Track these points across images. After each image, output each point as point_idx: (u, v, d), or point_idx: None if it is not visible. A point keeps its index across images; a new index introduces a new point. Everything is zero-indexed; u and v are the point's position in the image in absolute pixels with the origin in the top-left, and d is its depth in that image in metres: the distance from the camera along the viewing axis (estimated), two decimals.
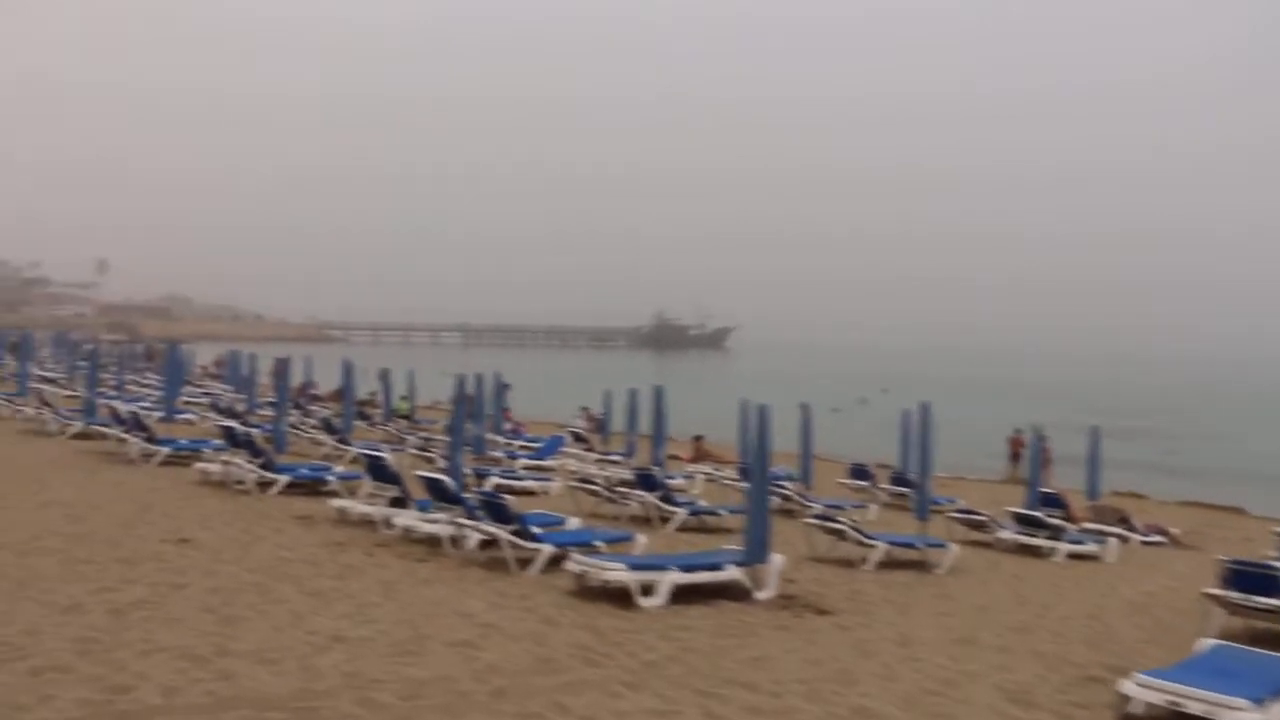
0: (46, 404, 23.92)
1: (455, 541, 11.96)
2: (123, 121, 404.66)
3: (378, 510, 13.20)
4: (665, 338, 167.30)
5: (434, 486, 12.72)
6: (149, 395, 30.14)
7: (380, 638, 8.35)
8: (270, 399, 28.61)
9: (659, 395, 18.86)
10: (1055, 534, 16.08)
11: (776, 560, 11.00)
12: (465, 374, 15.10)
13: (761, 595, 10.72)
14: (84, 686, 6.84)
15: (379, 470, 13.98)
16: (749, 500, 11.25)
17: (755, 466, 11.15)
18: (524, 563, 11.31)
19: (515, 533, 11.40)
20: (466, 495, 12.72)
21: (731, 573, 10.76)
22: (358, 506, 13.48)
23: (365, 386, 30.21)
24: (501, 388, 25.16)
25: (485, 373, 22.17)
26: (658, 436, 18.59)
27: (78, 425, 21.62)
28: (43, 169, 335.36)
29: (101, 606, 8.75)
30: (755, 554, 10.83)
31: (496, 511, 11.69)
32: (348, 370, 25.93)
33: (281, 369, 20.46)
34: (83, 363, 34.63)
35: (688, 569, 10.62)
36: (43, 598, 8.93)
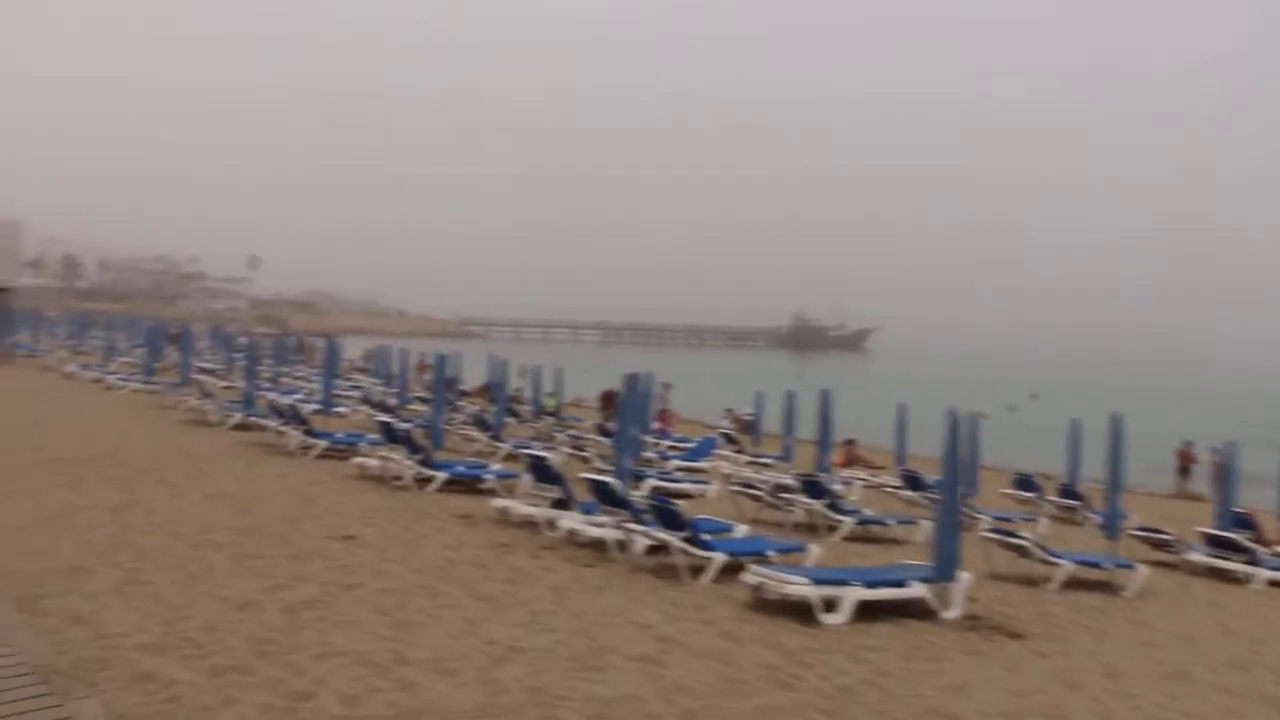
0: (208, 394, 24.38)
1: (622, 546, 11.56)
2: (276, 127, 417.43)
3: (541, 512, 12.88)
4: (804, 338, 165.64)
5: (599, 489, 12.35)
6: (302, 388, 30.60)
7: (559, 649, 7.97)
8: (419, 393, 28.83)
9: (825, 399, 18.25)
10: (1252, 558, 14.97)
11: (964, 578, 10.32)
12: (635, 372, 14.69)
13: (948, 615, 10.06)
14: (265, 690, 6.59)
15: (541, 470, 13.67)
16: (936, 512, 10.60)
17: (946, 477, 10.48)
18: (694, 571, 10.86)
19: (687, 539, 10.94)
20: (632, 498, 12.32)
21: (916, 589, 10.13)
22: (520, 507, 13.18)
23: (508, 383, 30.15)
24: (662, 388, 24.81)
25: (629, 371, 21.85)
26: (823, 441, 17.99)
27: (238, 416, 21.92)
28: (204, 173, 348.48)
29: (275, 604, 8.56)
30: (943, 570, 10.18)
31: (667, 516, 11.25)
32: (497, 367, 25.91)
33: (437, 365, 20.39)
34: (239, 355, 35.43)
35: (872, 584, 10.02)
36: (218, 593, 8.79)
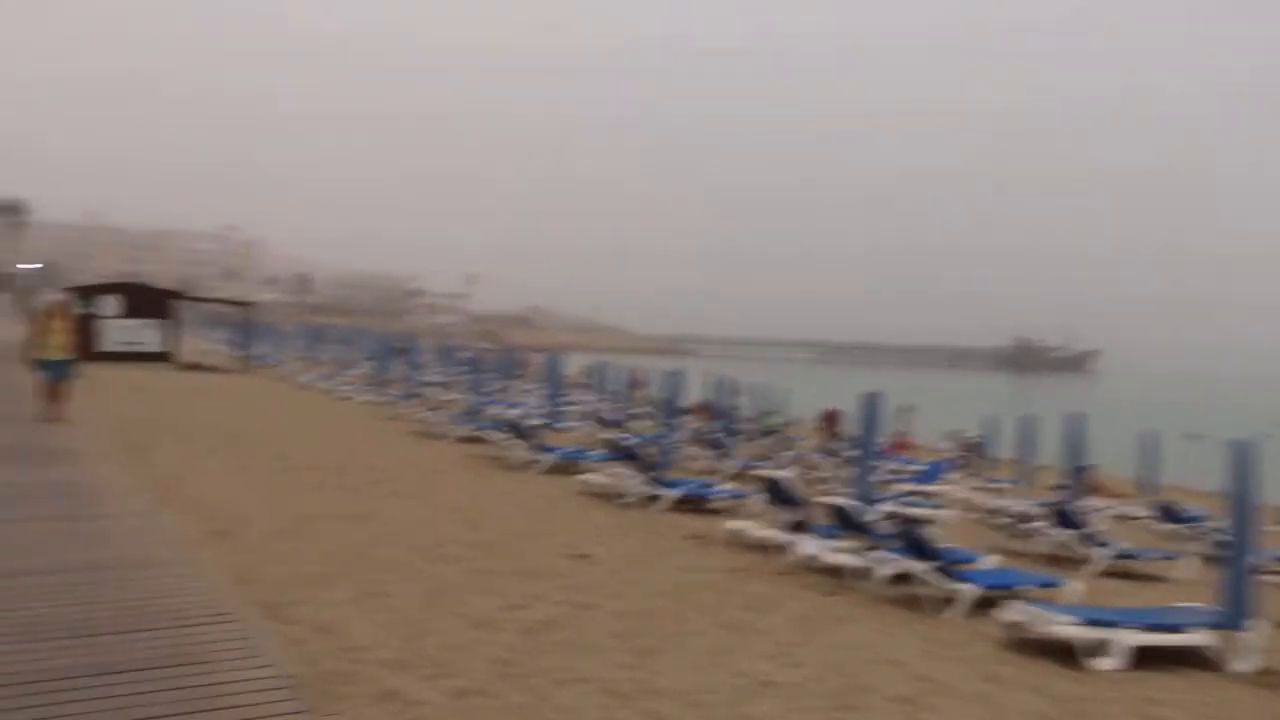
0: (435, 407, 24.83)
1: (864, 574, 10.94)
2: (493, 148, 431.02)
3: (778, 535, 12.36)
4: (1025, 359, 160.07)
5: (839, 513, 11.76)
6: (523, 402, 30.92)
7: (813, 685, 7.45)
8: (638, 410, 28.72)
9: (1077, 423, 17.13)
10: None
11: (1260, 626, 9.28)
12: (873, 392, 14.02)
13: (1239, 667, 9.05)
14: (509, 716, 6.31)
15: (777, 491, 13.15)
16: (1227, 551, 9.59)
17: (1237, 512, 9.46)
18: (943, 603, 10.15)
19: (938, 569, 10.25)
20: (875, 523, 11.69)
21: (1199, 636, 9.16)
22: (756, 529, 12.69)
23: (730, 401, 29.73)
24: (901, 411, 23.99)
25: (863, 391, 21.11)
26: (1075, 468, 16.86)
27: (464, 429, 22.19)
28: (420, 194, 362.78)
29: (513, 625, 8.31)
30: (1233, 616, 9.18)
31: (915, 544, 10.58)
32: (721, 384, 25.55)
33: (666, 381, 20.14)
34: (463, 369, 36.19)
35: (1149, 628, 9.11)
36: (456, 609, 8.62)
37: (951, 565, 10.51)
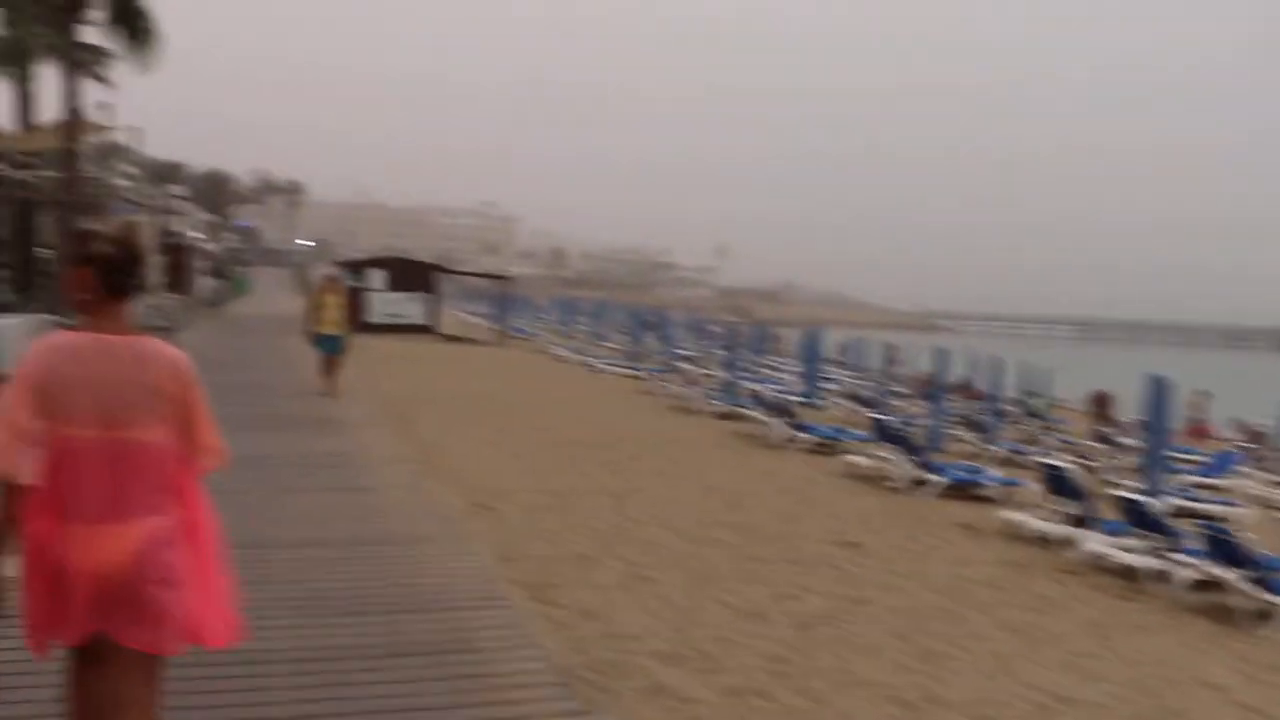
0: (693, 382, 24.67)
1: (1161, 577, 10.01)
2: (742, 122, 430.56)
3: (1058, 529, 11.51)
4: None
5: (1131, 507, 10.83)
6: (776, 378, 30.46)
7: (1117, 705, 6.74)
8: (896, 388, 27.79)
9: None
10: None
11: None
12: (1162, 375, 12.92)
13: None
14: None
15: (1058, 482, 12.26)
16: None
17: None
18: (1258, 618, 9.15)
19: (1252, 579, 9.25)
20: (1170, 521, 10.70)
21: None
22: (1034, 522, 11.86)
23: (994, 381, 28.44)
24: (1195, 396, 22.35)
25: (1116, 372, 19.69)
26: None
27: (721, 405, 21.93)
28: (676, 169, 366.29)
29: (785, 618, 7.90)
30: None
31: (1222, 547, 9.59)
32: (986, 364, 24.41)
33: (937, 360, 19.34)
34: (716, 343, 36.04)
35: None
36: (724, 598, 8.27)
37: (1269, 574, 9.47)
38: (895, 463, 14.59)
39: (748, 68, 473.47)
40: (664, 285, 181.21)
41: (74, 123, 25.56)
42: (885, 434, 15.41)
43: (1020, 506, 13.31)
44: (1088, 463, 18.23)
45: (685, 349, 36.36)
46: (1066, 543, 11.25)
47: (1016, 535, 11.93)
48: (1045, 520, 11.93)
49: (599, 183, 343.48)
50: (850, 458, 15.76)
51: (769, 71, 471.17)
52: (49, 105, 29.47)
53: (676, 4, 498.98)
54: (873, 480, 14.95)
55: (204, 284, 45.75)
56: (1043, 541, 11.59)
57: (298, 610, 6.56)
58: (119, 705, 3.58)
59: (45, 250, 27.86)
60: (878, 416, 16.49)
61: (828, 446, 17.80)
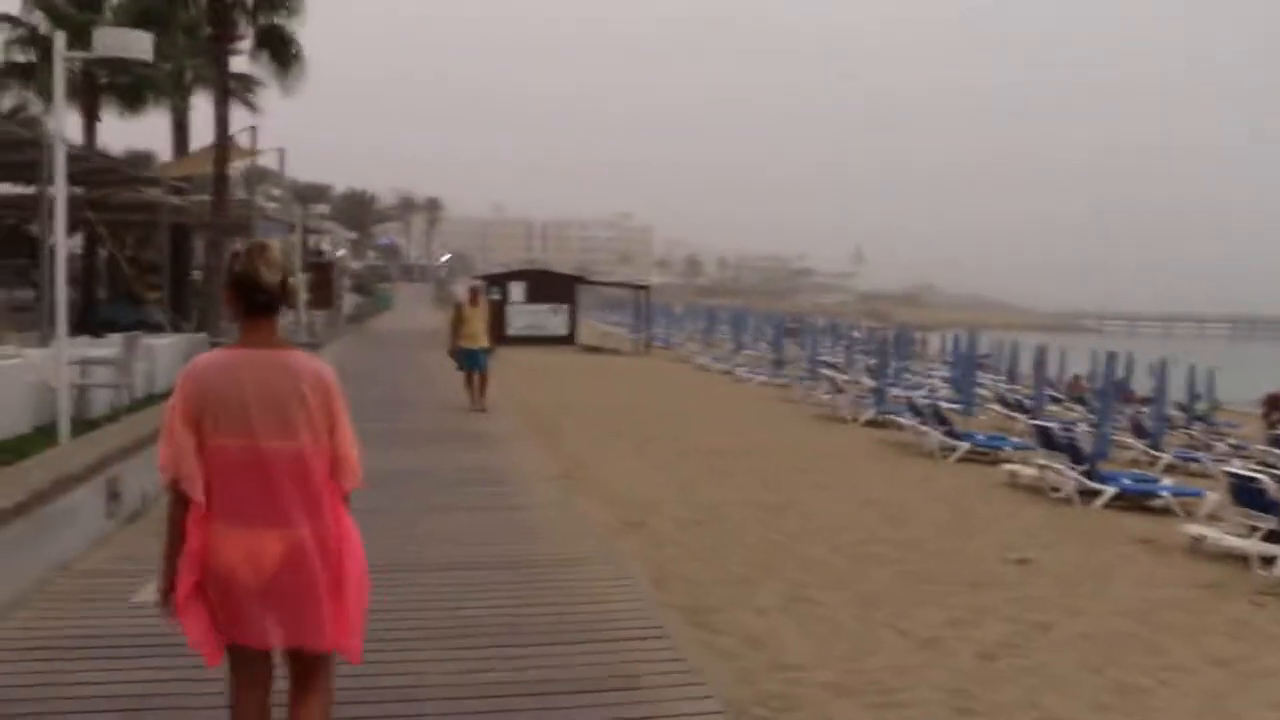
0: (839, 390, 24.03)
1: None
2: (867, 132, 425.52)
3: (1254, 545, 10.62)
4: None
5: None
6: (925, 384, 29.53)
7: None
8: (1052, 393, 26.66)
9: None
10: None
11: None
12: None
13: None
14: None
15: (1248, 493, 11.33)
16: None
17: None
18: None
19: None
20: None
21: None
22: (1226, 538, 10.98)
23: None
24: None
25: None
26: None
27: (870, 412, 21.26)
28: (810, 176, 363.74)
29: (963, 645, 7.32)
30: None
31: None
32: (1146, 366, 23.25)
33: (1106, 363, 18.40)
34: (859, 348, 35.21)
35: None
36: (895, 623, 7.72)
37: None
38: (1061, 472, 13.78)
39: (876, 73, 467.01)
40: (802, 291, 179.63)
41: (224, 148, 26.19)
42: (1050, 441, 14.59)
43: (1203, 520, 12.42)
44: (1275, 470, 17.02)
45: (828, 356, 35.60)
46: (1265, 561, 10.36)
47: (1203, 552, 11.07)
48: (1237, 536, 11.03)
49: (731, 191, 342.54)
50: (1011, 467, 15.00)
51: (899, 74, 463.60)
52: (201, 132, 30.40)
53: (791, 10, 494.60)
54: (1037, 491, 14.17)
55: (348, 300, 46.65)
56: (1236, 559, 10.71)
57: (449, 640, 6.25)
58: (303, 708, 3.78)
59: (198, 272, 28.59)
60: (1041, 423, 15.64)
61: (985, 455, 17.04)
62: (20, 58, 28.96)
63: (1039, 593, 8.93)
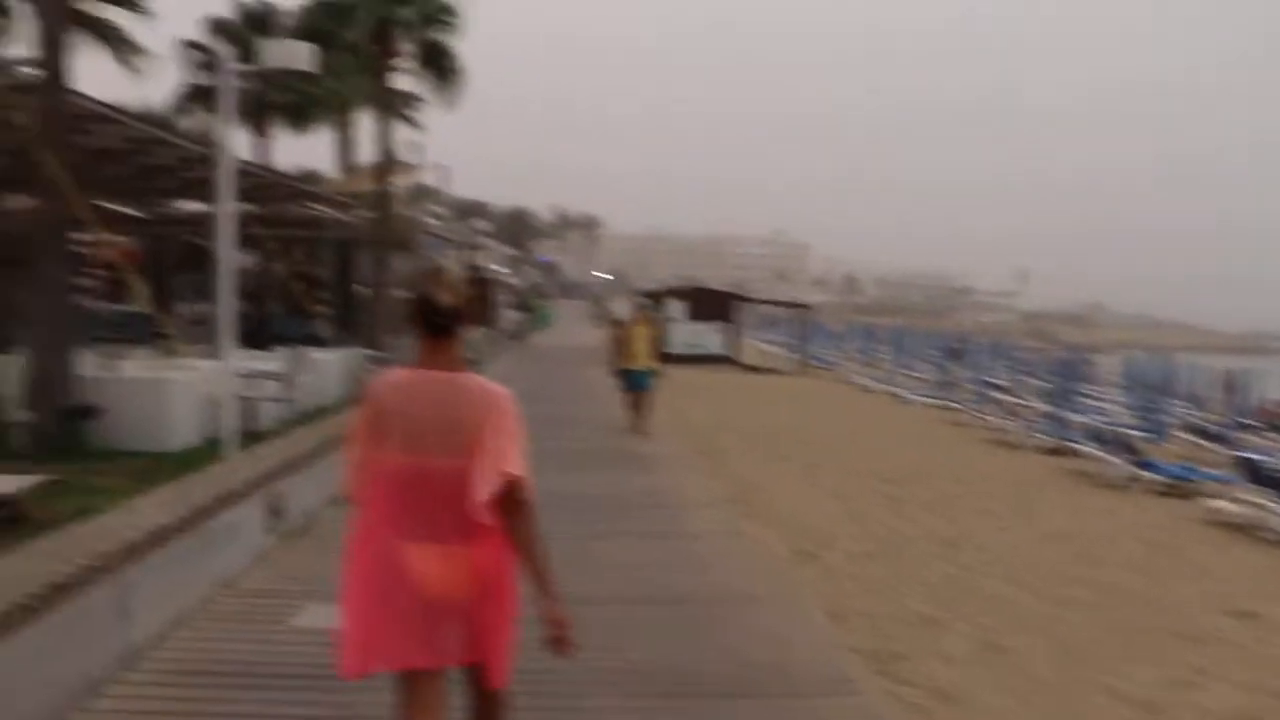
0: (1012, 414, 22.94)
1: None
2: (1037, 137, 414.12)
3: None
4: None
5: None
6: (1102, 408, 28.05)
7: None
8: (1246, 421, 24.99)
9: None
10: None
11: None
12: None
13: None
14: None
15: None
16: None
17: None
18: None
19: None
20: None
21: None
22: None
23: None
24: None
25: None
26: None
27: (1046, 439, 20.17)
28: (972, 190, 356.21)
29: (1190, 713, 6.53)
30: None
31: None
32: None
33: None
34: (1031, 371, 33.81)
35: None
36: (1103, 679, 6.96)
37: None
38: (1274, 510, 12.65)
39: (1039, 81, 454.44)
40: (963, 310, 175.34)
41: (387, 165, 26.54)
42: (1258, 476, 13.44)
43: None
44: None
45: (997, 378, 34.27)
46: None
47: None
48: None
49: (888, 206, 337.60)
50: (1214, 503, 13.87)
51: (1054, 81, 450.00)
52: (364, 149, 30.98)
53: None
54: (1241, 530, 13.05)
55: (508, 316, 47.04)
56: None
57: (615, 687, 5.72)
58: None
59: (362, 288, 29.02)
60: (1247, 455, 14.46)
61: (1177, 488, 15.87)
62: (204, 80, 30.02)
63: (1272, 652, 8.00)
